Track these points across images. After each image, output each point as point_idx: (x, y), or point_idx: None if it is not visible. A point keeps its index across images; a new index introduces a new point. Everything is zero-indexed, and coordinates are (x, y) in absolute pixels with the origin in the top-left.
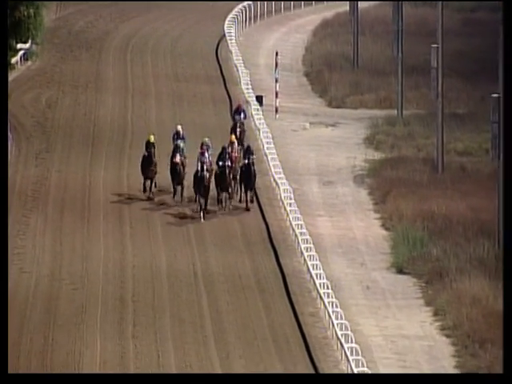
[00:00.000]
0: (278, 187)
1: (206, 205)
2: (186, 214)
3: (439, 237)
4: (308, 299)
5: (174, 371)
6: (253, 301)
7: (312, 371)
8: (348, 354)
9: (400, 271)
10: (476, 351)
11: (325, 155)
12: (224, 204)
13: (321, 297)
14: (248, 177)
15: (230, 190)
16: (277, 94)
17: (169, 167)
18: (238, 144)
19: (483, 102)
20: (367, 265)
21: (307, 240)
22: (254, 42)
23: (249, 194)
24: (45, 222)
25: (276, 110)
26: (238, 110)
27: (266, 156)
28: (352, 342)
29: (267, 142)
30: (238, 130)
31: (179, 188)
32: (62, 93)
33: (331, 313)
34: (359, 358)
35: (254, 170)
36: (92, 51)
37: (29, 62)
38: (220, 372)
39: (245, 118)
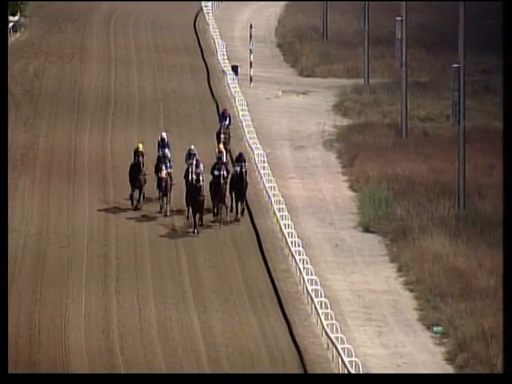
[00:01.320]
0: (253, 151)
1: (201, 219)
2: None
3: (403, 197)
4: (280, 256)
5: (154, 324)
6: (229, 258)
7: (284, 324)
8: (318, 307)
9: (366, 230)
10: (437, 304)
11: (296, 121)
12: (220, 216)
13: (292, 254)
14: (239, 187)
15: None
16: (251, 64)
17: (155, 179)
18: (227, 152)
19: (444, 71)
20: (336, 224)
21: (280, 201)
22: (229, 16)
23: (240, 205)
24: (33, 184)
25: (250, 79)
26: (224, 115)
27: (241, 122)
28: (321, 296)
29: (242, 110)
30: (223, 135)
31: (165, 199)
32: (49, 63)
33: (302, 269)
34: (328, 311)
35: (246, 181)
36: (77, 24)
37: (17, 34)
38: (198, 324)
39: (229, 123)
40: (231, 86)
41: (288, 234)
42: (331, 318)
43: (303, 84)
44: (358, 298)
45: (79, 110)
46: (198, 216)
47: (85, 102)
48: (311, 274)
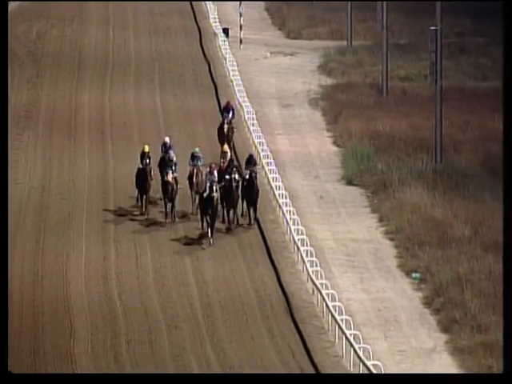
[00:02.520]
0: (242, 109)
1: (213, 228)
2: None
3: (383, 152)
4: (269, 208)
5: (150, 271)
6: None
7: (272, 271)
8: (303, 255)
9: (349, 183)
10: (416, 252)
11: (283, 81)
12: (231, 223)
13: (280, 206)
14: (250, 193)
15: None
16: (241, 26)
17: (160, 184)
18: (230, 149)
19: (422, 34)
20: (320, 177)
21: (268, 156)
22: None
23: (252, 212)
24: (36, 140)
25: (240, 41)
26: (227, 108)
27: (232, 82)
28: (307, 245)
29: (233, 70)
30: (226, 126)
31: (170, 206)
32: (51, 25)
33: (289, 220)
34: (313, 259)
35: (257, 186)
36: None
37: None
38: (191, 271)
39: (233, 117)
40: (222, 47)
41: (276, 186)
42: (316, 266)
43: (290, 46)
44: (341, 246)
45: (79, 70)
46: (210, 223)
47: (84, 63)
48: (297, 224)
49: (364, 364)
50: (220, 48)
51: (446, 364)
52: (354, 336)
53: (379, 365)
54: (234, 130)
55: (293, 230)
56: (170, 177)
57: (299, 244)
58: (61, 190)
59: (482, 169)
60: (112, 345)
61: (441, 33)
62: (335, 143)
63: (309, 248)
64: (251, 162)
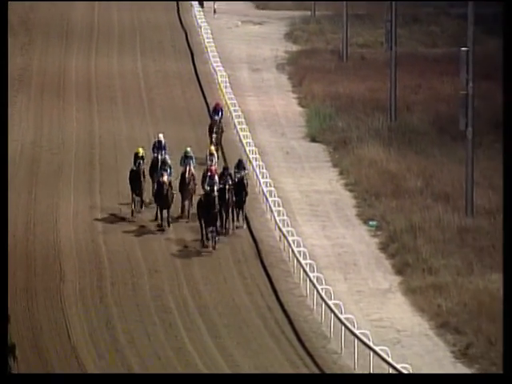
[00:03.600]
0: (216, 73)
1: (217, 232)
2: None
3: (344, 112)
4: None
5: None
6: None
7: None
8: (272, 206)
9: (313, 140)
10: (372, 203)
11: (253, 48)
12: (226, 229)
13: (250, 160)
14: (239, 195)
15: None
16: None
17: (154, 187)
18: (217, 149)
19: (379, 4)
20: (287, 135)
21: (239, 115)
22: None
23: (241, 214)
24: (28, 101)
25: (214, 11)
26: (216, 110)
27: (206, 48)
28: (275, 196)
29: (207, 38)
30: (215, 129)
31: (165, 211)
32: None
33: (258, 173)
34: (280, 209)
35: (246, 190)
36: None
37: None
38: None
39: (221, 117)
40: (198, 17)
41: (247, 143)
42: (283, 215)
43: (259, 16)
44: (305, 197)
45: (67, 38)
46: (212, 229)
47: (72, 32)
48: (266, 177)
49: (326, 303)
50: (196, 18)
51: (399, 303)
52: (317, 278)
53: (340, 304)
54: (223, 130)
55: (262, 183)
56: (165, 178)
57: (268, 195)
58: (51, 145)
59: (432, 127)
60: (98, 286)
61: (395, 3)
62: (300, 104)
63: (276, 199)
64: (240, 166)
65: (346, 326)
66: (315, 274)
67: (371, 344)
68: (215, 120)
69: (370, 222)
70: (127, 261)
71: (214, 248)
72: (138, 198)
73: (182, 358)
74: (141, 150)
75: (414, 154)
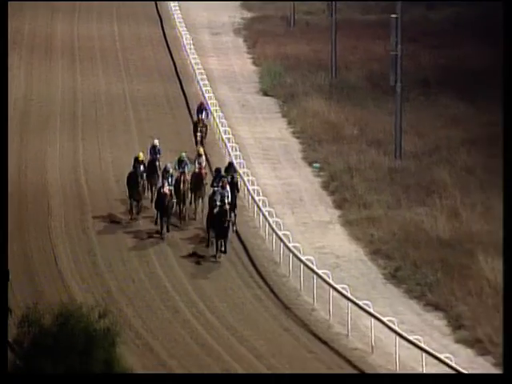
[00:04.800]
0: (181, 37)
1: (226, 243)
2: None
3: (291, 70)
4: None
5: (110, 162)
6: (163, 114)
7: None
8: (230, 150)
9: (265, 94)
10: (316, 147)
11: (213, 14)
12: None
13: (212, 112)
14: (232, 197)
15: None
16: None
17: (149, 190)
18: (202, 144)
19: None
20: (243, 90)
21: (202, 73)
22: None
23: (232, 214)
24: (20, 60)
25: None
26: (200, 108)
27: (173, 15)
28: (232, 142)
29: (174, 6)
30: (199, 127)
31: (165, 219)
32: None
33: (218, 122)
34: (238, 153)
35: (238, 188)
36: None
37: None
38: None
39: (207, 116)
40: None
41: (208, 96)
42: (240, 158)
43: None
44: (259, 143)
45: (54, 7)
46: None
47: (58, 2)
48: (225, 126)
49: (276, 234)
50: None
51: (338, 233)
52: (269, 212)
53: (288, 234)
54: (207, 129)
55: (222, 131)
56: (166, 189)
57: (226, 142)
58: (40, 99)
59: (366, 83)
60: (80, 220)
61: None
62: (254, 63)
63: (234, 144)
64: (231, 169)
65: (294, 253)
66: (267, 208)
67: (315, 268)
68: (200, 118)
69: (314, 164)
70: (105, 197)
71: (222, 254)
72: (135, 203)
73: (153, 282)
74: (141, 155)
75: (351, 106)
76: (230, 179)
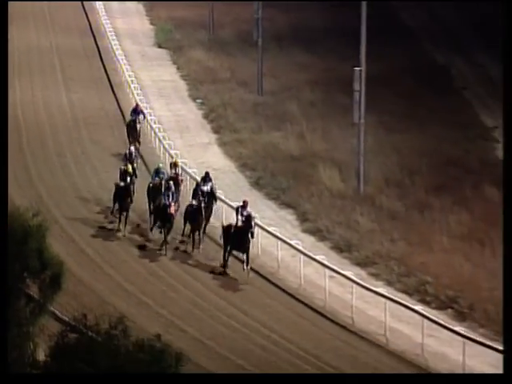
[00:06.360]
0: (96, 3)
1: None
2: None
3: (180, 28)
4: (111, 62)
5: (40, 98)
6: (81, 61)
7: (113, 98)
8: (133, 89)
9: (159, 46)
10: (198, 87)
11: None
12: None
13: (118, 60)
14: (210, 206)
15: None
16: None
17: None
18: (137, 148)
19: None
20: (142, 43)
21: (111, 31)
22: None
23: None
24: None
25: None
26: (136, 110)
27: None
28: (135, 83)
29: None
30: (132, 127)
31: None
32: None
33: (125, 69)
34: (139, 91)
35: (216, 198)
36: None
37: None
38: (65, 99)
39: (144, 117)
40: None
41: (116, 49)
42: (141, 95)
43: None
44: (155, 84)
45: None
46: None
47: None
48: (129, 71)
49: (169, 153)
50: None
51: (216, 152)
52: (163, 136)
53: (178, 153)
54: (140, 131)
55: (127, 75)
56: (172, 209)
57: (130, 83)
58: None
59: (236, 38)
60: (18, 141)
61: None
62: (151, 23)
63: (136, 85)
64: (207, 179)
65: (183, 168)
66: (162, 133)
67: (198, 178)
68: (136, 120)
69: (197, 100)
70: (37, 128)
71: (246, 270)
72: (124, 214)
73: (73, 187)
74: (130, 167)
75: (225, 56)
76: (208, 190)
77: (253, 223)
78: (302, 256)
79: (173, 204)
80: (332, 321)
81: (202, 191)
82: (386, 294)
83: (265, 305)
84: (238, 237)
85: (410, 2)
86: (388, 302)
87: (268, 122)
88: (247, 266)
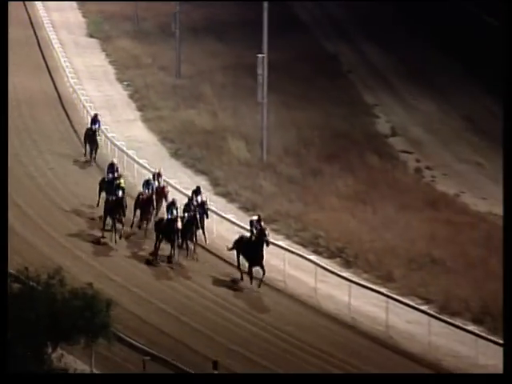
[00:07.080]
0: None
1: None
2: None
3: (108, 21)
4: (48, 50)
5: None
6: (22, 48)
7: (50, 81)
8: (68, 74)
9: (91, 36)
10: (125, 71)
11: None
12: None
13: (53, 47)
14: (201, 218)
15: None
16: None
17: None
18: (94, 158)
19: None
20: (76, 33)
21: (48, 23)
22: None
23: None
24: None
25: None
26: (94, 120)
27: None
28: (70, 68)
29: None
30: (90, 138)
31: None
32: None
33: (60, 55)
34: (73, 75)
35: (207, 212)
36: None
37: None
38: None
39: (99, 127)
40: None
41: (52, 38)
42: (76, 78)
43: None
44: (87, 68)
45: None
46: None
47: None
48: (64, 57)
49: (105, 135)
50: None
51: (140, 127)
52: (94, 114)
53: (107, 128)
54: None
55: (62, 61)
56: (179, 224)
57: (65, 67)
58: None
59: (157, 29)
60: None
61: None
62: (83, 16)
63: (71, 69)
64: (199, 192)
65: (112, 142)
66: (93, 111)
67: (127, 151)
68: (93, 128)
69: (124, 82)
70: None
71: (259, 286)
72: (118, 226)
73: (15, 159)
74: (122, 180)
75: (147, 44)
76: (200, 202)
77: (267, 235)
78: (215, 216)
79: (179, 219)
80: (231, 264)
81: (193, 205)
82: (284, 245)
83: None
84: (252, 250)
85: (306, 2)
86: (286, 253)
87: (185, 101)
88: (263, 276)
